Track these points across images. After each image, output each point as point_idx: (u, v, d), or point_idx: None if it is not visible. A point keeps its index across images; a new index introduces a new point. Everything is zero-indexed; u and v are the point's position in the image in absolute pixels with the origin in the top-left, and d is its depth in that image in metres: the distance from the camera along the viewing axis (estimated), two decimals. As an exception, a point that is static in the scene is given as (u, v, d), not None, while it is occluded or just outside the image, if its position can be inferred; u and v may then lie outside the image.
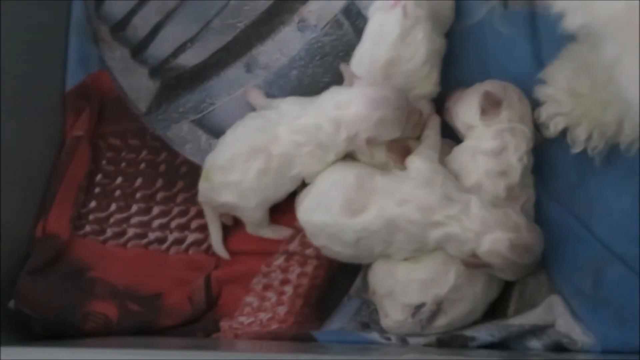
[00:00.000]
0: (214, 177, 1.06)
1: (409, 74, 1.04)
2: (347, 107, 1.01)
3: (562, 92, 1.01)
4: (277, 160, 1.03)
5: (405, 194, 0.97)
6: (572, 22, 0.62)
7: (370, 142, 1.00)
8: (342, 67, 1.05)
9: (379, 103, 1.00)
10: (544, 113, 1.02)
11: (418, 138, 1.04)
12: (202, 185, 1.08)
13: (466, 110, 1.03)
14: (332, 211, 0.99)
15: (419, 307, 0.97)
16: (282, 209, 1.09)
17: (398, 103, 1.01)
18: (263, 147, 1.03)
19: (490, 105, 1.01)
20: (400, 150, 1.03)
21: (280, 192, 1.06)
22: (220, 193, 1.06)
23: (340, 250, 1.01)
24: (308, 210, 1.02)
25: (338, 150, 1.02)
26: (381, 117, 1.00)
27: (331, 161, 1.03)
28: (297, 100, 1.07)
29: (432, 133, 1.03)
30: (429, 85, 1.05)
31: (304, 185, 1.06)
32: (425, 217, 0.96)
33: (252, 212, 1.07)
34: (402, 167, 1.01)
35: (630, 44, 0.62)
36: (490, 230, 0.94)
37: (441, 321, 0.97)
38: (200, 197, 1.09)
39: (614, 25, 0.61)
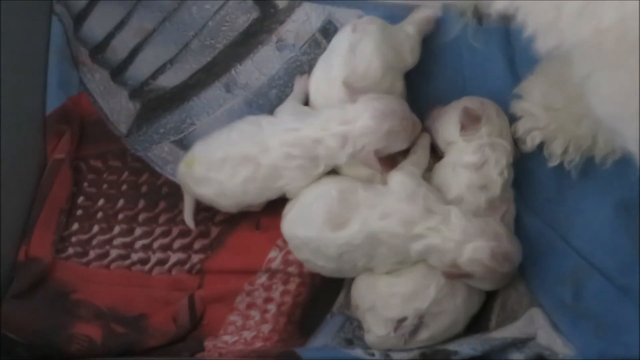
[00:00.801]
0: (196, 168, 1.07)
1: (372, 89, 1.04)
2: (354, 121, 1.01)
3: (537, 107, 1.02)
4: (264, 170, 1.04)
5: (388, 208, 0.98)
6: (543, 44, 0.63)
7: (378, 154, 1.01)
8: (344, 83, 1.05)
9: (386, 115, 1.01)
10: (520, 128, 1.03)
11: (406, 152, 1.05)
12: (181, 170, 1.09)
13: (446, 127, 1.04)
14: (315, 225, 0.99)
15: (400, 321, 0.97)
16: (266, 226, 1.10)
17: (404, 114, 1.02)
18: (253, 156, 1.04)
19: (470, 121, 1.02)
20: (388, 161, 1.03)
21: (260, 199, 1.07)
22: (199, 184, 1.07)
23: (323, 265, 1.01)
24: (292, 224, 1.03)
25: (329, 164, 1.03)
26: (389, 128, 1.01)
27: (317, 175, 1.04)
28: (294, 109, 1.07)
29: (419, 150, 1.04)
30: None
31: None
32: (407, 230, 0.96)
33: (227, 208, 1.08)
34: (386, 178, 1.02)
35: (598, 65, 0.63)
36: (471, 239, 0.95)
37: (423, 335, 0.98)
38: (178, 179, 1.10)
39: (583, 47, 0.62)
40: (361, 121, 1.01)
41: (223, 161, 1.05)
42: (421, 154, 1.04)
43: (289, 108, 1.08)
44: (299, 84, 1.11)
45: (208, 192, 1.07)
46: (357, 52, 1.05)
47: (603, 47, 0.59)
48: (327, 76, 1.07)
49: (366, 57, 1.04)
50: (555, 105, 1.01)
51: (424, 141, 1.05)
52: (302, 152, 1.02)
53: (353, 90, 1.03)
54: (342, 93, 1.04)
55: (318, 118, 1.04)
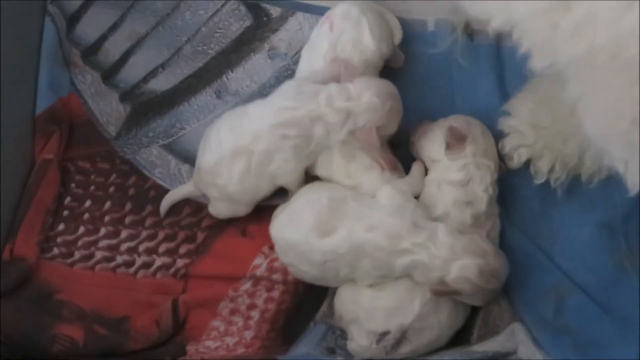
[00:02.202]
0: (202, 176, 1.08)
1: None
2: (358, 97, 1.02)
3: (525, 125, 1.03)
4: (257, 157, 1.04)
5: (375, 220, 0.98)
6: (537, 63, 0.64)
7: (378, 131, 1.02)
8: (345, 61, 1.05)
9: (388, 94, 1.03)
10: (507, 144, 1.04)
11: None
12: (194, 176, 1.10)
13: (431, 144, 1.04)
14: (303, 229, 0.99)
15: (383, 334, 0.98)
16: (252, 233, 1.10)
17: (399, 97, 1.04)
18: (244, 147, 1.04)
19: (455, 141, 1.02)
20: (390, 160, 1.05)
21: (261, 192, 1.07)
22: (209, 189, 1.08)
23: (307, 270, 1.01)
24: (281, 226, 1.03)
25: (321, 144, 1.03)
26: (391, 106, 1.03)
27: (307, 156, 1.04)
28: (281, 89, 1.07)
29: (416, 176, 1.05)
30: None
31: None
32: (393, 245, 0.97)
33: (238, 208, 1.09)
34: (392, 174, 1.03)
35: (590, 85, 0.64)
36: (458, 257, 0.96)
37: (406, 348, 0.98)
38: (195, 182, 1.10)
39: (576, 66, 0.63)
40: (366, 97, 1.02)
41: (218, 164, 1.05)
42: (417, 180, 1.04)
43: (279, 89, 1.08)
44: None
45: (216, 195, 1.07)
46: (338, 50, 1.07)
47: (595, 66, 0.60)
48: (310, 71, 1.08)
49: (347, 55, 1.06)
50: (543, 124, 1.02)
51: (419, 168, 1.06)
52: (298, 131, 1.02)
53: (352, 70, 1.04)
54: (340, 72, 1.04)
55: (317, 95, 1.03)
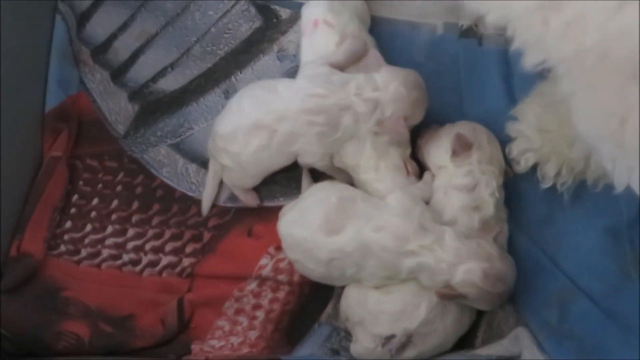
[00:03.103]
0: (217, 141, 1.08)
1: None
2: (385, 87, 1.03)
3: (531, 129, 1.03)
4: (279, 137, 1.04)
5: (383, 221, 0.98)
6: (529, 59, 0.65)
7: (405, 121, 1.03)
8: (371, 52, 1.06)
9: (414, 83, 1.04)
10: (515, 149, 1.05)
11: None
12: (210, 142, 1.10)
13: (437, 151, 1.05)
14: (311, 227, 1.00)
15: (388, 338, 0.98)
16: (258, 233, 1.10)
17: (425, 87, 1.05)
18: (267, 124, 1.04)
19: (461, 148, 1.03)
20: (414, 168, 1.06)
21: (274, 166, 1.08)
22: (221, 155, 1.08)
23: (313, 268, 1.02)
24: (290, 223, 1.03)
25: (348, 132, 1.03)
26: (417, 96, 1.04)
27: (332, 142, 1.04)
28: (309, 72, 1.06)
29: (428, 183, 1.05)
30: None
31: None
32: (399, 246, 0.97)
33: (247, 180, 1.09)
34: (412, 178, 1.05)
35: (580, 84, 0.65)
36: (464, 261, 0.96)
37: (410, 353, 0.98)
38: (209, 150, 1.11)
39: (567, 64, 0.64)
40: (393, 87, 1.02)
41: (234, 132, 1.05)
42: (428, 186, 1.05)
43: (306, 70, 1.07)
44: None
45: (228, 162, 1.07)
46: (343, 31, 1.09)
47: (585, 66, 0.60)
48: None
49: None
50: (549, 128, 1.02)
51: (429, 178, 1.06)
52: (326, 119, 1.03)
53: (379, 59, 1.05)
54: (372, 60, 1.06)
55: (347, 84, 1.03)
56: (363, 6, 1.14)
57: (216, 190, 1.12)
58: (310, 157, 1.05)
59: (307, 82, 1.05)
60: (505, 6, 0.63)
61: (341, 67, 1.06)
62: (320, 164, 1.06)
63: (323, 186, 1.05)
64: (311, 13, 1.11)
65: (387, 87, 1.02)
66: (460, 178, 1.02)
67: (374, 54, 1.06)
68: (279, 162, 1.07)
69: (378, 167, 1.04)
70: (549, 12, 0.60)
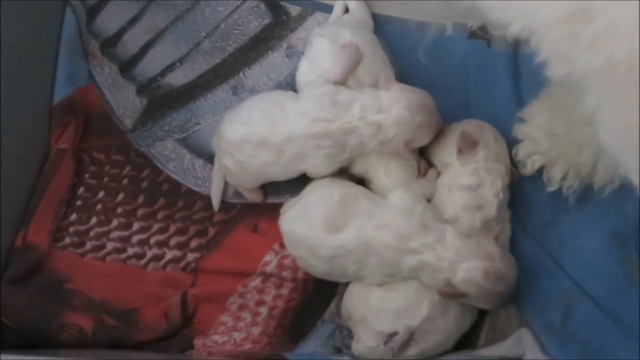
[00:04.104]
0: (222, 143, 1.07)
1: (366, 72, 1.07)
2: (389, 110, 1.02)
3: (539, 132, 1.03)
4: (287, 157, 1.04)
5: (385, 219, 0.98)
6: (554, 71, 0.65)
7: (407, 145, 1.02)
8: (383, 69, 1.06)
9: (420, 107, 1.02)
10: (521, 151, 1.05)
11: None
12: (214, 139, 1.10)
13: (443, 149, 1.05)
14: (313, 224, 1.00)
15: (391, 335, 0.98)
16: (263, 230, 1.11)
17: (434, 109, 1.03)
18: (274, 144, 1.03)
19: (467, 146, 1.03)
20: (425, 167, 1.07)
21: (280, 179, 1.08)
22: (224, 157, 1.08)
23: (315, 265, 1.02)
24: (292, 220, 1.03)
25: (356, 151, 1.03)
26: (421, 121, 1.02)
27: (342, 161, 1.04)
28: (314, 94, 1.05)
29: (430, 180, 1.06)
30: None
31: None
32: (401, 244, 0.97)
33: (246, 183, 1.09)
34: (427, 179, 1.05)
35: (608, 97, 0.64)
36: (465, 259, 0.96)
37: (412, 350, 0.98)
38: (213, 144, 1.10)
39: (594, 77, 0.63)
40: (396, 110, 1.01)
41: (241, 142, 1.05)
42: (430, 184, 1.05)
43: (310, 90, 1.06)
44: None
45: (231, 165, 1.07)
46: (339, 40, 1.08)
47: (614, 78, 0.60)
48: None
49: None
50: (557, 132, 1.02)
51: (435, 173, 1.06)
52: (332, 142, 1.02)
53: (389, 78, 1.04)
54: (383, 77, 1.05)
55: (351, 106, 1.02)
56: (353, 16, 1.14)
57: (222, 184, 1.11)
58: (320, 174, 1.05)
59: (313, 105, 1.04)
60: (531, 16, 0.62)
61: (340, 82, 1.06)
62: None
63: (325, 183, 1.05)
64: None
65: (391, 109, 1.01)
66: (466, 177, 1.02)
67: (385, 72, 1.05)
68: (285, 176, 1.07)
69: (388, 165, 1.04)
70: (577, 24, 0.60)
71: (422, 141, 1.04)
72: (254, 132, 1.04)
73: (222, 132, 1.07)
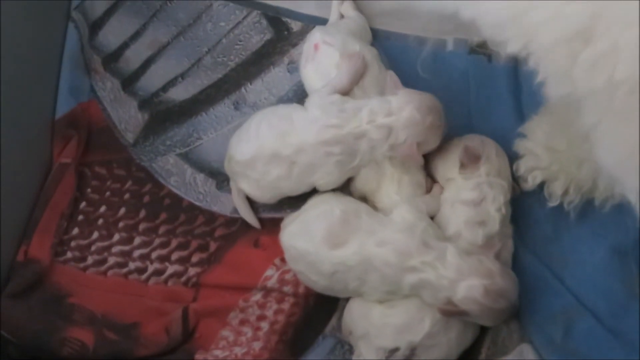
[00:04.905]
0: (234, 166, 1.08)
1: (372, 83, 1.07)
2: (398, 112, 1.02)
3: (540, 147, 1.03)
4: (299, 168, 1.04)
5: (386, 236, 0.98)
6: (554, 91, 0.65)
7: (419, 148, 1.02)
8: (389, 74, 1.06)
9: (430, 108, 1.02)
10: (522, 166, 1.05)
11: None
12: (225, 164, 1.10)
13: (446, 163, 1.05)
14: (314, 240, 1.00)
15: (392, 351, 0.98)
16: (264, 244, 1.11)
17: (442, 112, 1.03)
18: (286, 156, 1.03)
19: (469, 160, 1.03)
20: (431, 183, 1.06)
21: (294, 192, 1.07)
22: (239, 179, 1.08)
23: (316, 280, 1.02)
24: (292, 235, 1.03)
25: (366, 158, 1.03)
26: (432, 122, 1.02)
27: (352, 168, 1.04)
28: (322, 102, 1.05)
29: (436, 195, 1.05)
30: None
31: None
32: (402, 261, 0.97)
33: (267, 200, 1.09)
34: (432, 195, 1.05)
35: (607, 115, 0.64)
36: (465, 277, 0.96)
37: (414, 366, 0.98)
38: (226, 169, 1.10)
39: (594, 97, 0.63)
40: (406, 112, 1.01)
41: (253, 160, 1.05)
42: (435, 200, 1.05)
43: (317, 99, 1.06)
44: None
45: (247, 187, 1.07)
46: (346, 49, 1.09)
47: (614, 99, 0.60)
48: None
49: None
50: (558, 147, 1.02)
51: (437, 191, 1.06)
52: (342, 149, 1.02)
53: (396, 83, 1.04)
54: (390, 83, 1.05)
55: (360, 111, 1.03)
56: (357, 23, 1.15)
57: (247, 203, 1.11)
58: (330, 185, 1.05)
59: (321, 113, 1.04)
60: (531, 36, 0.62)
61: (347, 91, 1.06)
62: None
63: (326, 198, 1.05)
64: (310, 39, 1.11)
65: (401, 111, 1.01)
66: (468, 192, 1.02)
67: (391, 77, 1.05)
68: (298, 190, 1.07)
69: (401, 180, 1.04)
70: (577, 45, 0.60)
71: (433, 143, 1.04)
72: (264, 146, 1.04)
73: (232, 154, 1.08)
